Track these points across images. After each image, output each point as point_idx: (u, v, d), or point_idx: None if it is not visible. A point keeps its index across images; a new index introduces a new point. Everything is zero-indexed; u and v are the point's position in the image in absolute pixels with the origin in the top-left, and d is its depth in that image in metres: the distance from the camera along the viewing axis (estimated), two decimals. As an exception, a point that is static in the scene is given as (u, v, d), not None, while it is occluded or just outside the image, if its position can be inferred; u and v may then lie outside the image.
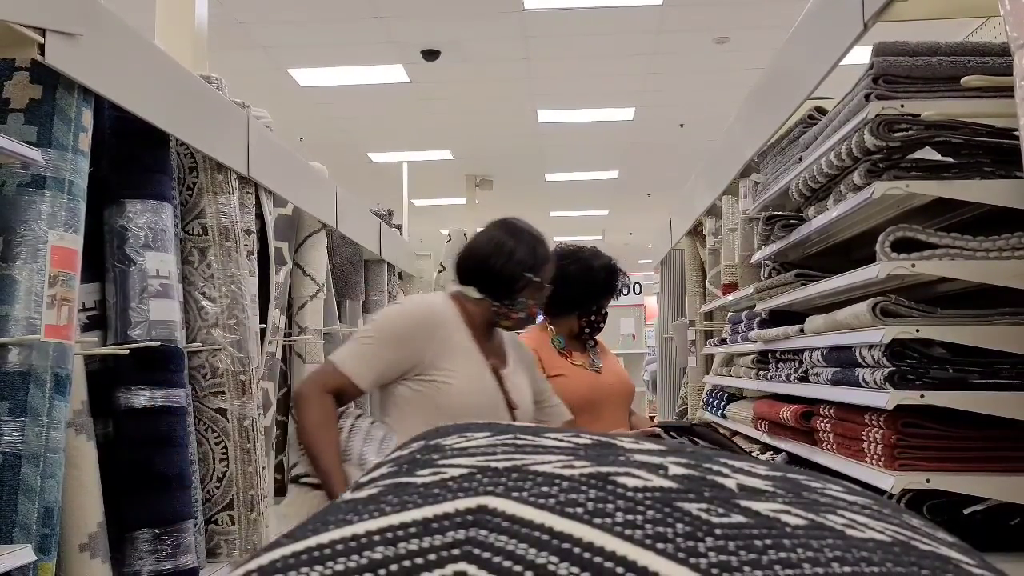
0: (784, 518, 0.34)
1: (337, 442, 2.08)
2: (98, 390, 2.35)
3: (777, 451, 2.88)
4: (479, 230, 2.48)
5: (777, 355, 2.97)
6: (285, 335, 3.58)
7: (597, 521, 0.32)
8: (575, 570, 0.30)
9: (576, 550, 0.31)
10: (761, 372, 3.18)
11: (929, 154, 2.02)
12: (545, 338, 2.92)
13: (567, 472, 0.37)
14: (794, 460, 2.68)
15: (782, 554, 0.31)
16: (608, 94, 8.71)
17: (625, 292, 3.06)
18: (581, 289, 2.89)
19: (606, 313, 3.01)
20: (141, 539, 2.38)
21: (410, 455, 0.42)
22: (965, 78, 1.96)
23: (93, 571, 2.20)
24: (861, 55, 2.19)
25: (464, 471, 0.37)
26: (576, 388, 2.79)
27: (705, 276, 4.60)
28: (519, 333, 2.79)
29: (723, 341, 3.94)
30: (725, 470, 0.39)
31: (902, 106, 2.02)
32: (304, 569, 0.31)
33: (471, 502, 0.34)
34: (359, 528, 0.33)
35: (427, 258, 7.03)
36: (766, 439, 3.02)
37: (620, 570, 0.30)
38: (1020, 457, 1.89)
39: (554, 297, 2.64)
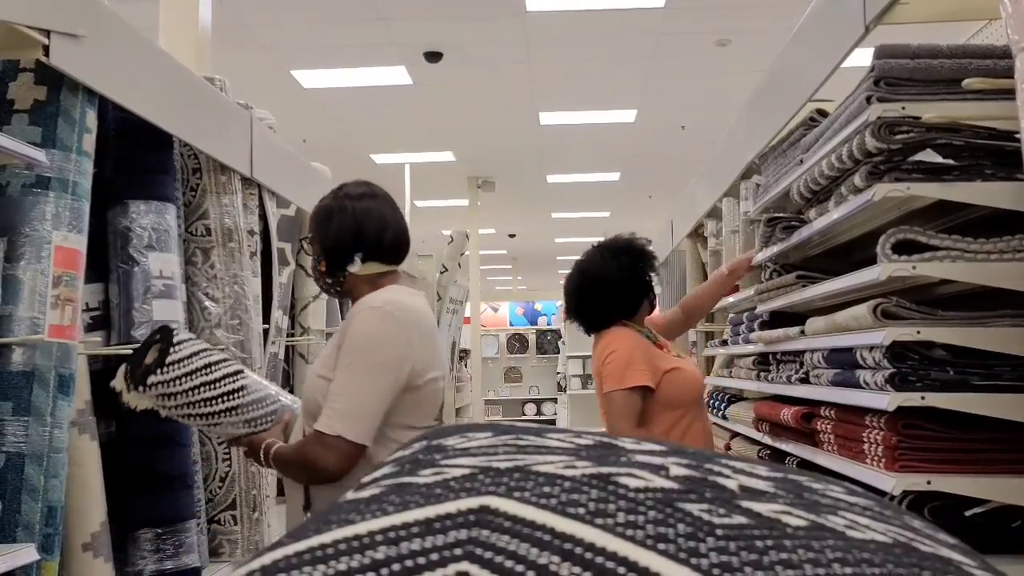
0: (785, 519, 0.34)
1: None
2: (101, 390, 2.35)
3: (774, 451, 2.89)
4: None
5: (778, 356, 2.97)
6: (288, 336, 3.58)
7: (599, 521, 0.33)
8: (576, 570, 0.30)
9: (578, 550, 0.31)
10: (762, 373, 3.18)
11: (930, 156, 2.02)
12: (636, 335, 2.77)
13: (569, 472, 0.37)
14: (797, 463, 2.68)
15: (783, 555, 0.31)
16: (610, 96, 8.71)
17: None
18: (647, 269, 2.83)
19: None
20: (144, 538, 2.38)
21: (412, 455, 0.43)
22: (966, 80, 1.96)
23: (96, 570, 2.21)
24: (862, 57, 2.19)
25: (466, 471, 0.38)
26: (691, 380, 2.74)
27: (706, 278, 4.60)
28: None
29: (724, 342, 3.94)
30: (726, 471, 0.40)
31: (903, 108, 2.02)
32: (307, 569, 0.31)
33: (473, 502, 0.34)
34: (361, 528, 0.33)
35: (429, 259, 7.03)
36: (767, 440, 3.02)
37: (622, 570, 0.30)
38: (1021, 459, 1.89)
39: (630, 298, 2.76)
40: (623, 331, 2.76)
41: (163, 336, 2.09)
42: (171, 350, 2.06)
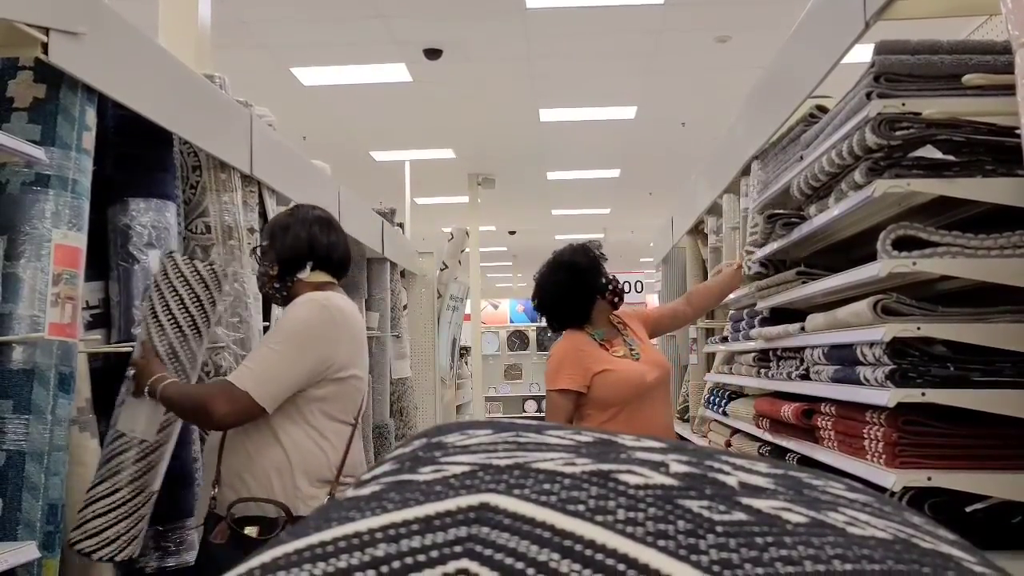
0: (785, 515, 0.34)
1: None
2: (102, 388, 2.35)
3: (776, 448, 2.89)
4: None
5: (778, 353, 2.97)
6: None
7: (598, 518, 0.33)
8: (576, 567, 0.30)
9: (578, 547, 0.31)
10: (762, 370, 3.18)
11: (930, 152, 2.02)
12: (583, 337, 3.04)
13: (568, 469, 0.37)
14: (795, 459, 2.68)
15: (783, 551, 0.31)
16: (610, 93, 8.70)
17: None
18: (587, 281, 3.05)
19: (615, 277, 3.17)
20: (144, 536, 2.38)
21: (412, 452, 0.42)
22: (966, 76, 1.96)
23: (97, 568, 2.21)
24: (862, 53, 2.19)
25: (466, 468, 0.38)
26: (623, 381, 2.94)
27: (706, 274, 4.60)
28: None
29: (724, 339, 3.94)
30: (726, 468, 0.39)
31: (903, 104, 2.02)
32: (307, 566, 0.31)
33: (473, 499, 0.34)
34: (361, 525, 0.33)
35: (429, 256, 7.02)
36: (767, 437, 3.02)
37: (621, 567, 0.30)
38: (1021, 455, 1.89)
39: (573, 309, 3.04)
40: (569, 335, 3.05)
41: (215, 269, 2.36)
42: (216, 271, 2.32)
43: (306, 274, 2.38)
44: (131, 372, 2.25)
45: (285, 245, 2.38)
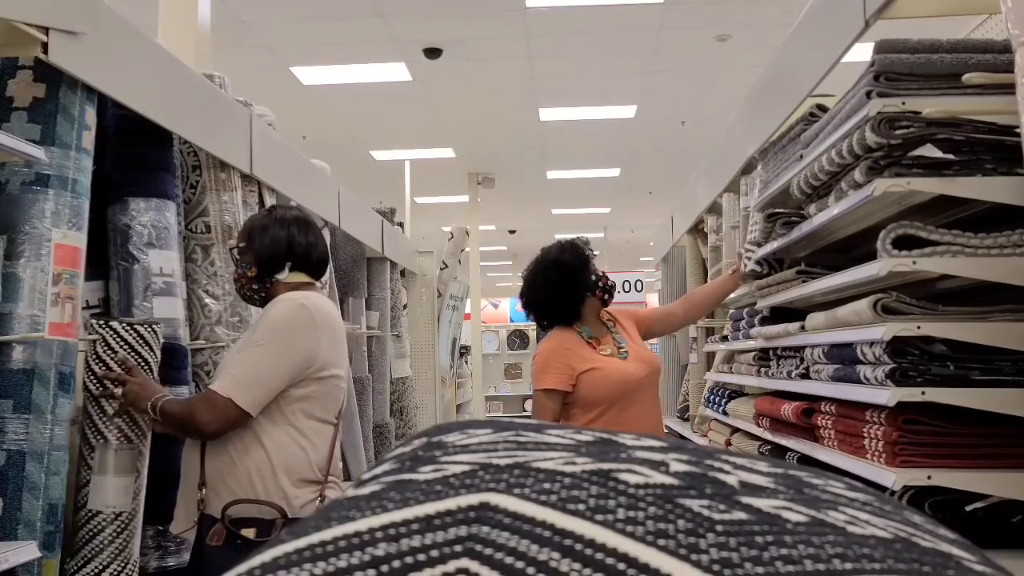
0: (785, 515, 0.34)
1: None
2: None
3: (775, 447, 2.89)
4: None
5: (778, 352, 2.97)
6: (287, 333, 3.58)
7: (599, 518, 0.33)
8: (577, 566, 0.30)
9: (578, 547, 0.31)
10: (762, 369, 3.18)
11: (930, 151, 2.02)
12: (571, 335, 3.02)
13: (568, 469, 0.37)
14: (796, 458, 2.68)
15: (783, 550, 0.31)
16: (610, 92, 8.70)
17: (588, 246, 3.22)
18: (577, 279, 3.03)
19: (605, 274, 3.14)
20: (145, 536, 2.38)
21: (412, 452, 0.42)
22: (966, 75, 1.96)
23: None
24: (862, 52, 2.19)
25: (466, 468, 0.38)
26: (609, 380, 2.92)
27: (707, 273, 4.60)
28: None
29: (724, 338, 3.94)
30: (727, 467, 0.39)
31: (903, 103, 2.02)
32: (307, 565, 0.31)
33: (473, 499, 0.34)
34: (361, 525, 0.33)
35: (429, 256, 7.02)
36: (767, 436, 3.02)
37: (621, 566, 0.30)
38: (1021, 454, 1.89)
39: (561, 309, 3.01)
40: (555, 334, 3.03)
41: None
42: (156, 330, 2.31)
43: (284, 275, 2.37)
44: (119, 400, 2.21)
45: (264, 245, 2.36)
